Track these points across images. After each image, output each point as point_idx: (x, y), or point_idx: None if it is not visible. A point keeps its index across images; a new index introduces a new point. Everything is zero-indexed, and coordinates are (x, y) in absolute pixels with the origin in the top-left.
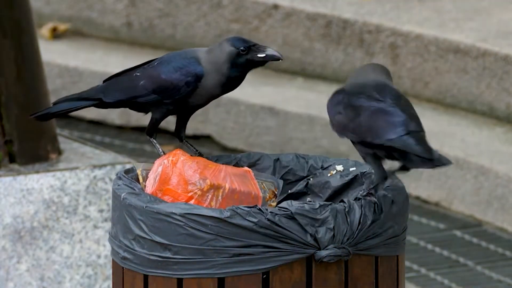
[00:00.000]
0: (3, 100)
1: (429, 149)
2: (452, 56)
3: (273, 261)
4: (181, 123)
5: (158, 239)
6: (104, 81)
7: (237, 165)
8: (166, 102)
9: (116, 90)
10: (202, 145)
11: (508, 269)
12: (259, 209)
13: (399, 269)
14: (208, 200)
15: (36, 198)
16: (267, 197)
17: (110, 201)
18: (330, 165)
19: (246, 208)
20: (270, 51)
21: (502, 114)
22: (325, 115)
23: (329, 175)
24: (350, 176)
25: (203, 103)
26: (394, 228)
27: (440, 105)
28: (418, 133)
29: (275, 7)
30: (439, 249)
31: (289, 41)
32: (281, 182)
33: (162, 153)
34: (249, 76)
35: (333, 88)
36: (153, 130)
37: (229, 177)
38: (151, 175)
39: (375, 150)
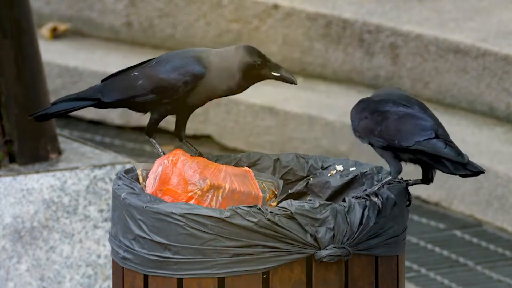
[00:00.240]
0: (3, 100)
1: (459, 152)
2: (452, 56)
3: (273, 261)
4: (181, 123)
5: (158, 239)
6: (102, 81)
7: (237, 165)
8: (164, 102)
9: (114, 90)
10: (202, 145)
11: (508, 269)
12: (259, 209)
13: (399, 269)
14: (208, 200)
15: (36, 198)
16: (267, 197)
17: (110, 201)
18: (330, 165)
19: (246, 208)
20: (285, 72)
21: (502, 114)
22: (325, 115)
23: (329, 175)
24: (350, 176)
25: (202, 103)
26: (394, 228)
27: (440, 105)
28: (446, 137)
29: (275, 7)
30: (439, 249)
31: (289, 41)
32: (281, 182)
33: (161, 153)
34: None
35: (333, 88)
36: (152, 130)
37: (229, 177)
38: (151, 175)
39: (401, 154)
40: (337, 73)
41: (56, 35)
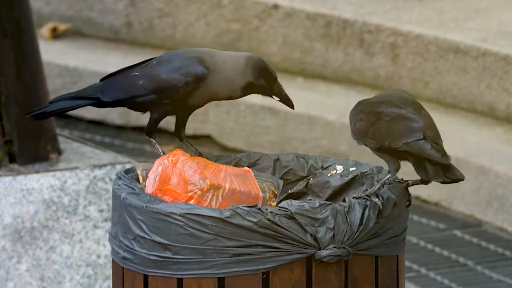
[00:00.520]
0: (3, 100)
1: (444, 154)
2: (452, 56)
3: (273, 261)
4: (181, 123)
5: (158, 239)
6: (101, 80)
7: (237, 165)
8: (165, 102)
9: (114, 90)
10: (202, 145)
11: (508, 269)
12: (259, 209)
13: (399, 269)
14: (208, 200)
15: (36, 198)
16: (267, 197)
17: (110, 201)
18: (330, 165)
19: (246, 208)
20: (286, 96)
21: (502, 114)
22: (325, 115)
23: (329, 175)
24: (350, 176)
25: (202, 104)
26: (394, 228)
27: (440, 105)
28: (434, 139)
29: (275, 7)
30: (439, 249)
31: (289, 41)
32: (281, 182)
33: (161, 153)
34: None
35: (333, 88)
36: (152, 129)
37: (229, 177)
38: (151, 175)
39: (394, 155)
40: (337, 73)
41: (56, 35)
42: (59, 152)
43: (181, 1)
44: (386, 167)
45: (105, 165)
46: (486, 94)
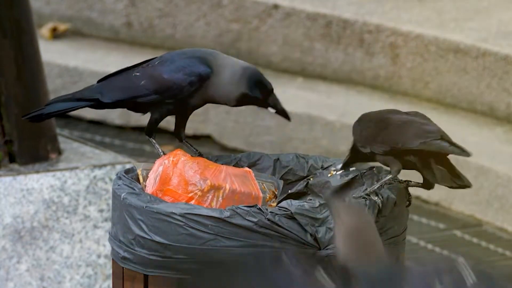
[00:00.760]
0: (3, 100)
1: (464, 149)
2: (452, 56)
3: None
4: (181, 123)
5: (158, 239)
6: (98, 81)
7: (237, 165)
8: (167, 102)
9: (114, 90)
10: (202, 145)
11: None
12: (259, 209)
13: None
14: (209, 200)
15: (36, 198)
16: (267, 197)
17: (110, 201)
18: (330, 165)
19: (246, 208)
20: (281, 108)
21: (502, 114)
22: (325, 115)
23: (329, 175)
24: (350, 176)
25: (202, 104)
26: (394, 228)
27: (440, 105)
28: (451, 141)
29: (275, 7)
30: (439, 249)
31: (289, 41)
32: (281, 182)
33: (161, 153)
34: None
35: (333, 88)
36: (152, 130)
37: (229, 178)
38: (152, 175)
39: (401, 158)
40: (337, 73)
41: (56, 35)
42: (59, 152)
43: (181, 1)
44: (386, 167)
45: (105, 165)
46: (486, 94)
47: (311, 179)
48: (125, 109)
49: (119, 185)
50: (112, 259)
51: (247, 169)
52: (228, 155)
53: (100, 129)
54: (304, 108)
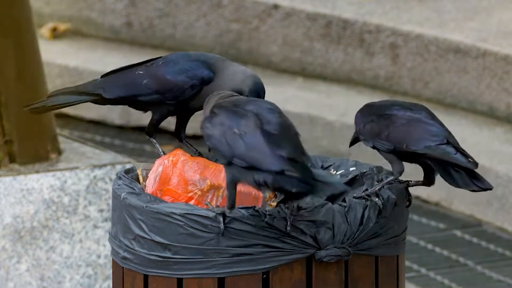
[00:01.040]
0: (3, 100)
1: (470, 160)
2: (452, 56)
3: (273, 261)
4: (181, 124)
5: (158, 239)
6: (102, 76)
7: None
8: (168, 103)
9: (117, 87)
10: (202, 145)
11: (508, 269)
12: (256, 211)
13: (399, 269)
14: (208, 200)
15: (36, 198)
16: (267, 197)
17: (110, 201)
18: (330, 165)
19: (244, 212)
20: None
21: (502, 114)
22: (325, 115)
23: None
24: (350, 176)
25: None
26: (394, 228)
27: (440, 105)
28: (456, 144)
29: (275, 7)
30: (439, 249)
31: (289, 41)
32: None
33: (161, 153)
34: None
35: (333, 88)
36: (153, 130)
37: None
38: (151, 175)
39: (405, 158)
40: (337, 73)
41: (56, 35)
42: (59, 152)
43: (181, 1)
44: (386, 167)
45: (105, 165)
46: (486, 94)
47: None
48: (126, 109)
49: (119, 185)
50: (112, 259)
51: None
52: None
53: (100, 129)
54: (304, 108)
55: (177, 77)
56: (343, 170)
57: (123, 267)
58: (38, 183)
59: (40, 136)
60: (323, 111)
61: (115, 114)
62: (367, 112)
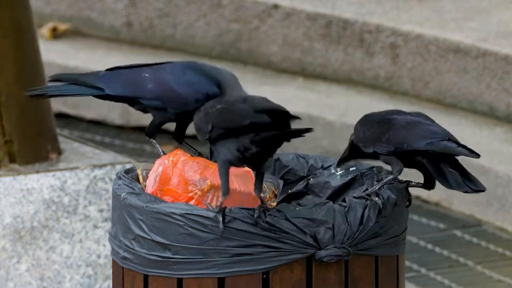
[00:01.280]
0: (3, 100)
1: (472, 150)
2: (452, 56)
3: (273, 261)
4: (181, 129)
5: (158, 239)
6: (107, 70)
7: None
8: (169, 111)
9: (120, 85)
10: (202, 145)
11: (508, 269)
12: (257, 212)
13: (399, 269)
14: (209, 200)
15: (36, 198)
16: (267, 197)
17: (110, 201)
18: (330, 165)
19: (245, 212)
20: None
21: (502, 114)
22: (325, 115)
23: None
24: (350, 176)
25: None
26: (394, 228)
27: (440, 105)
28: (457, 141)
29: (275, 7)
30: (439, 249)
31: (289, 41)
32: (281, 182)
33: (161, 153)
34: (249, 76)
35: (333, 88)
36: (153, 131)
37: (229, 177)
38: (152, 175)
39: (405, 160)
40: (337, 73)
41: (56, 35)
42: (59, 152)
43: (181, 1)
44: (386, 167)
45: (105, 165)
46: (486, 94)
47: (311, 179)
48: (126, 109)
49: (119, 185)
50: (112, 259)
51: (247, 168)
52: None
53: (100, 129)
54: (304, 108)
55: (183, 88)
56: (343, 170)
57: (123, 267)
58: (38, 183)
59: (40, 136)
60: (323, 111)
61: (115, 114)
62: (366, 121)
